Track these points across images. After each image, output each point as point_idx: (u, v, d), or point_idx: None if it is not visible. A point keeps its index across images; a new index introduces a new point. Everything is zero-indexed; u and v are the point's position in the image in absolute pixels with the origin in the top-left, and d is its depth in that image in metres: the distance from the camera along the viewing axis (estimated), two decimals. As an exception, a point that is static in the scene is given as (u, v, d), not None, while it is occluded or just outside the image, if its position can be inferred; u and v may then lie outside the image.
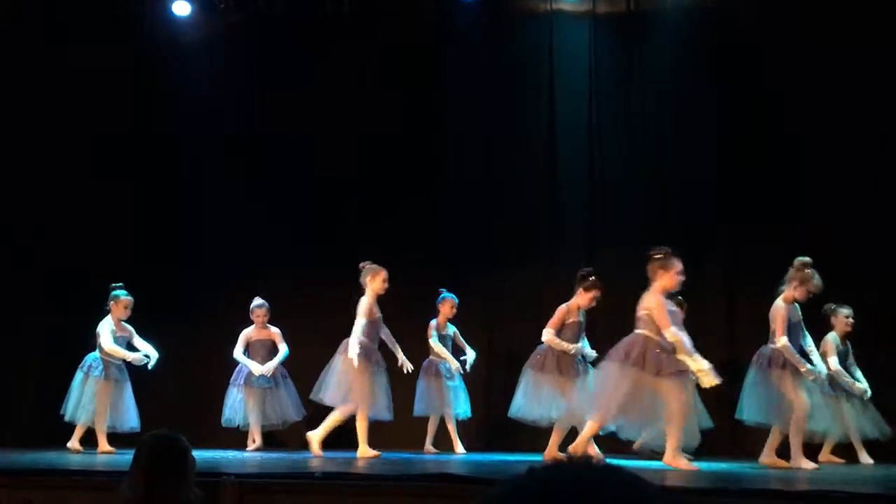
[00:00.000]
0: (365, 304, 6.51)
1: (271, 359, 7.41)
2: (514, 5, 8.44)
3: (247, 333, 7.47)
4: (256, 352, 7.44)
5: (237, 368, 7.47)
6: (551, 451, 6.04)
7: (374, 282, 6.55)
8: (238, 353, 7.40)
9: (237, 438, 7.43)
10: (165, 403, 7.38)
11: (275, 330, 7.53)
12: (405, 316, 7.33)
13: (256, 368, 7.29)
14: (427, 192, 8.13)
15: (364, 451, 6.40)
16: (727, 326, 7.53)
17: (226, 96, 8.20)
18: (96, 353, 6.94)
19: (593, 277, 6.29)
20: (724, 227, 7.70)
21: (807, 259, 5.92)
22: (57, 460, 5.58)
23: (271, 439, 7.61)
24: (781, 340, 5.73)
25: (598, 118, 8.13)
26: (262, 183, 8.17)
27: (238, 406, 7.40)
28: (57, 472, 4.78)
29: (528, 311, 7.40)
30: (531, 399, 6.33)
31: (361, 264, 6.65)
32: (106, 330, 6.90)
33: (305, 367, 7.32)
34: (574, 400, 6.06)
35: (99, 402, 6.81)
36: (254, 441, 7.36)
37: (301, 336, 7.62)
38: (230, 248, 8.03)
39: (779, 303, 5.87)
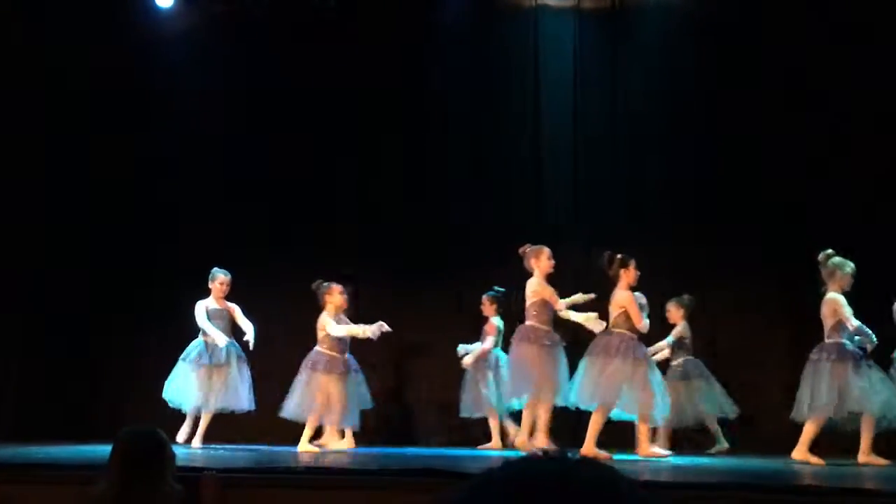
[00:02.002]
0: (541, 286, 6.27)
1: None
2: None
3: (205, 303, 6.99)
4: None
5: (194, 344, 6.95)
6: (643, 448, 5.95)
7: (539, 262, 6.33)
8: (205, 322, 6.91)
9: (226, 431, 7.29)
10: (153, 399, 7.33)
11: (232, 305, 7.07)
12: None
13: (222, 339, 6.81)
14: (411, 190, 8.09)
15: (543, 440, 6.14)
16: (708, 323, 7.53)
17: (208, 88, 8.09)
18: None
19: (620, 255, 6.17)
20: (709, 226, 7.67)
21: (828, 251, 5.98)
22: (36, 454, 5.53)
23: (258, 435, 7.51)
24: (854, 322, 5.79)
25: (583, 114, 8.12)
26: (246, 178, 8.09)
27: (187, 386, 6.89)
28: (38, 467, 4.74)
29: (511, 309, 7.37)
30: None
31: (521, 249, 6.40)
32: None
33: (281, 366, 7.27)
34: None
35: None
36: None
37: (293, 335, 7.43)
38: (214, 244, 7.95)
39: (832, 296, 5.88)
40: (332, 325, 6.69)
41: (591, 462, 0.94)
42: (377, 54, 8.07)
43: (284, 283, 7.65)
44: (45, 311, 7.74)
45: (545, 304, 6.27)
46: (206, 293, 7.10)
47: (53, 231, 7.92)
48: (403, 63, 8.15)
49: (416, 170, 8.14)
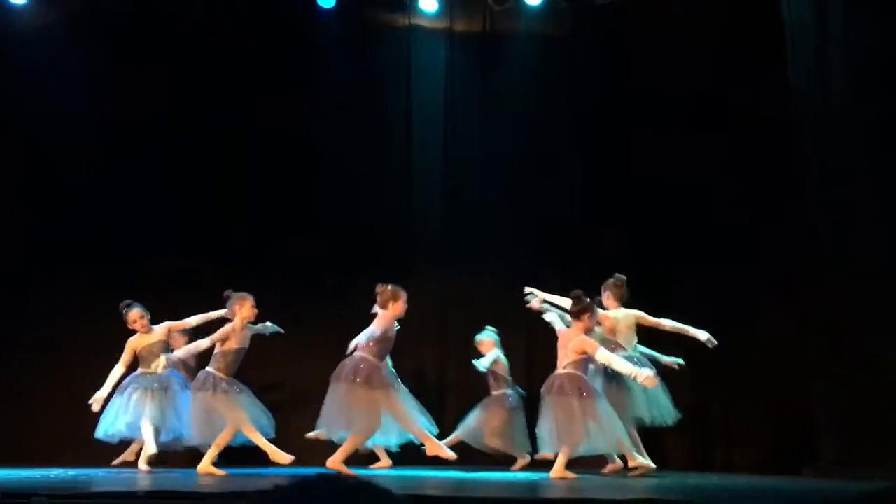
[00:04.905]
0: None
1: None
2: (374, 16, 8.37)
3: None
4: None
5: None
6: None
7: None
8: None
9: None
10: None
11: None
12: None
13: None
14: (279, 202, 7.91)
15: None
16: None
17: (62, 89, 7.67)
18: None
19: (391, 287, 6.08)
20: (582, 250, 7.72)
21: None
22: None
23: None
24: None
25: (453, 133, 8.19)
26: (107, 183, 7.70)
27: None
28: None
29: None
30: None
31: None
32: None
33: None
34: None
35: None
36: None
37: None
38: (77, 246, 7.56)
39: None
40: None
41: (367, 484, 0.88)
42: (246, 62, 7.92)
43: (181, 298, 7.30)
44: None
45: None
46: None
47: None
48: (273, 72, 7.97)
49: (283, 182, 7.95)
